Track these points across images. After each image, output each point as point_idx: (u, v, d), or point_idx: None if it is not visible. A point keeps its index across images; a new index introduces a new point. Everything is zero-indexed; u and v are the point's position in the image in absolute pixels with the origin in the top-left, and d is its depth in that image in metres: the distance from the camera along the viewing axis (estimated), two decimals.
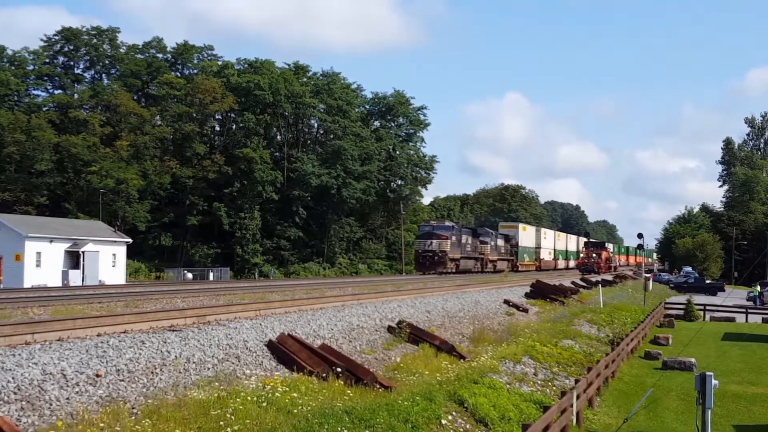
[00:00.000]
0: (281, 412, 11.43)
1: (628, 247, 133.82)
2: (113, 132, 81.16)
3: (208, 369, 13.34)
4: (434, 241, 58.71)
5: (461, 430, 13.21)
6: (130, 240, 63.72)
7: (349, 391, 13.49)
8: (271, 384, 12.88)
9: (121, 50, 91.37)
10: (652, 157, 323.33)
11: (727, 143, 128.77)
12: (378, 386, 14.30)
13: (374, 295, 27.33)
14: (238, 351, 14.63)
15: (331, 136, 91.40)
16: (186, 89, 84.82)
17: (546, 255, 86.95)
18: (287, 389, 12.66)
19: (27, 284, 47.56)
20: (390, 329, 20.53)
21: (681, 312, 44.94)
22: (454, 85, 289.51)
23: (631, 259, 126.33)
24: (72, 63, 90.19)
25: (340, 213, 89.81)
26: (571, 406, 14.73)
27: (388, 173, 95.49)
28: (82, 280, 53.13)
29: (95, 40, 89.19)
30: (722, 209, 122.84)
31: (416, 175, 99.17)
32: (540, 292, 38.89)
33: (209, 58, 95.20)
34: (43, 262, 52.45)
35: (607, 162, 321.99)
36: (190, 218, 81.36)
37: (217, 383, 12.51)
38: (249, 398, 11.64)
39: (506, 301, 32.92)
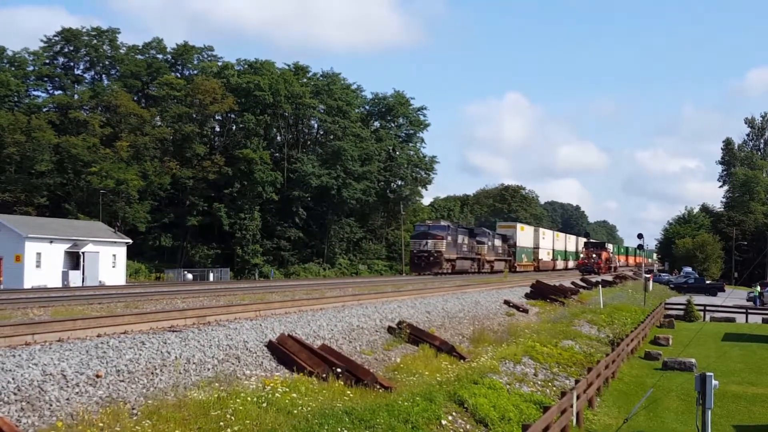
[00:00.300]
0: (281, 413, 11.44)
1: (627, 248, 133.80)
2: (113, 133, 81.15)
3: (208, 370, 13.35)
4: (429, 241, 57.90)
5: (461, 430, 13.21)
6: (130, 241, 63.72)
7: (349, 392, 13.50)
8: (271, 384, 12.88)
9: (121, 51, 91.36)
10: (652, 157, 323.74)
11: (727, 143, 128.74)
12: (378, 387, 14.30)
13: (374, 296, 27.34)
14: (238, 352, 14.63)
15: (331, 137, 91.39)
16: (186, 90, 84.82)
17: (544, 255, 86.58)
18: (287, 390, 12.67)
19: (27, 285, 47.54)
20: (390, 330, 20.54)
21: (681, 312, 44.96)
22: (454, 85, 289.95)
23: (631, 260, 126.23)
24: (72, 64, 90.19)
25: (340, 213, 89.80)
26: (571, 406, 14.73)
27: (388, 174, 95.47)
28: (82, 281, 53.12)
29: (95, 41, 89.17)
30: (722, 209, 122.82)
31: (416, 175, 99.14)
32: (540, 292, 38.90)
33: (209, 58, 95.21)
34: (43, 262, 52.44)
35: (607, 162, 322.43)
36: (190, 219, 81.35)
37: (217, 384, 12.51)
38: (249, 399, 11.65)
39: (506, 302, 32.93)
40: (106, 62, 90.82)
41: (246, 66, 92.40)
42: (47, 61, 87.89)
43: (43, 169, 75.51)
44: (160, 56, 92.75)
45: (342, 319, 19.84)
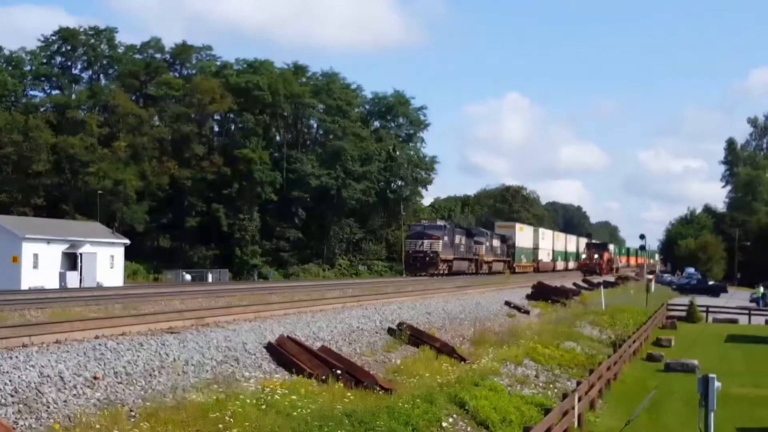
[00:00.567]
0: (280, 415, 11.35)
1: (629, 248, 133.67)
2: (111, 132, 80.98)
3: (207, 371, 13.24)
4: (425, 241, 56.54)
5: None
6: (128, 241, 63.59)
7: (349, 394, 13.41)
8: (271, 386, 12.79)
9: (119, 50, 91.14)
10: (654, 157, 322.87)
11: (730, 143, 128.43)
12: (378, 389, 14.21)
13: (374, 297, 27.23)
14: (237, 353, 14.53)
15: (331, 137, 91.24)
16: (184, 89, 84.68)
17: (544, 256, 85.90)
18: (287, 392, 12.58)
19: (24, 286, 47.38)
20: (390, 331, 20.43)
21: (683, 313, 44.86)
22: (454, 84, 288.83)
23: (634, 260, 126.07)
24: (70, 63, 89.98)
25: (340, 214, 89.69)
26: (573, 408, 14.62)
27: (388, 174, 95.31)
28: (80, 282, 52.95)
29: (93, 41, 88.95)
30: (725, 210, 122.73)
31: (416, 175, 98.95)
32: (541, 293, 38.81)
33: (208, 58, 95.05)
34: (40, 263, 52.28)
35: (608, 162, 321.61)
36: (188, 219, 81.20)
37: (215, 386, 12.42)
38: (248, 401, 11.56)
39: (507, 303, 32.84)
40: (104, 62, 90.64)
41: (245, 65, 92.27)
42: (45, 60, 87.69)
43: (40, 169, 75.34)
44: (158, 56, 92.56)
45: (342, 321, 19.74)
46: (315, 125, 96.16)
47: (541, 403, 15.99)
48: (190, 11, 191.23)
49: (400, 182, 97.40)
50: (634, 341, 27.13)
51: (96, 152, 77.17)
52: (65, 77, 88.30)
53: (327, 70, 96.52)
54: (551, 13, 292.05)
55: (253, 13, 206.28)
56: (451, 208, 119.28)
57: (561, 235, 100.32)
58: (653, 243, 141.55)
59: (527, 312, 32.39)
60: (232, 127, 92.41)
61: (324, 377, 14.09)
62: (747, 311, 47.22)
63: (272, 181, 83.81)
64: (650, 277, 55.80)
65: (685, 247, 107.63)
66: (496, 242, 72.56)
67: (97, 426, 9.81)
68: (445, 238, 57.72)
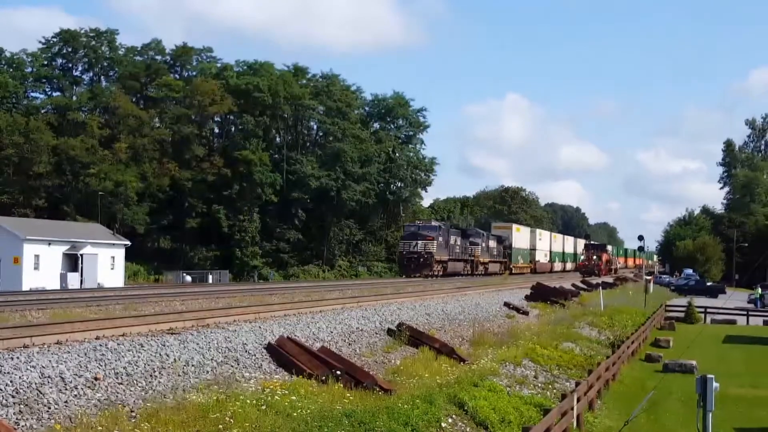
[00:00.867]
0: (280, 416, 11.39)
1: (627, 249, 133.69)
2: (112, 134, 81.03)
3: (207, 372, 13.30)
4: (419, 242, 55.29)
5: None
6: (128, 242, 63.65)
7: (348, 394, 13.46)
8: (271, 387, 12.85)
9: (120, 52, 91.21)
10: (654, 157, 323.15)
11: (728, 145, 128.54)
12: (378, 389, 14.25)
13: (374, 298, 27.29)
14: (237, 354, 14.58)
15: (331, 138, 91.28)
16: (185, 91, 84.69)
17: (541, 257, 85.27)
18: (286, 392, 12.63)
19: (25, 287, 47.42)
20: (390, 332, 20.49)
21: (682, 314, 44.88)
22: (454, 85, 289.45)
23: (632, 261, 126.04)
24: (70, 65, 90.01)
25: (340, 215, 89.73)
26: (572, 408, 14.68)
27: (388, 175, 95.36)
28: (81, 283, 53.01)
29: (94, 42, 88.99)
30: (723, 211, 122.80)
31: (416, 177, 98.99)
32: (540, 294, 38.86)
33: (208, 60, 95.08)
34: (41, 264, 52.36)
35: (607, 163, 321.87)
36: (189, 221, 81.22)
37: (216, 386, 12.47)
38: (248, 401, 11.61)
39: (506, 304, 32.89)
40: (105, 63, 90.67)
41: (245, 67, 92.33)
42: (45, 62, 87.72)
43: (41, 170, 75.38)
44: (158, 57, 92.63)
45: (341, 322, 19.80)
46: (315, 127, 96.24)
47: (540, 403, 16.04)
48: (189, 12, 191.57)
49: (399, 183, 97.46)
50: (632, 342, 27.18)
51: (97, 154, 77.22)
52: (66, 79, 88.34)
53: (327, 71, 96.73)
54: (551, 14, 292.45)
55: (253, 13, 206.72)
56: (450, 210, 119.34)
57: (559, 236, 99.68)
58: (652, 244, 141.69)
59: (526, 313, 32.44)
60: (233, 129, 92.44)
61: (324, 378, 14.14)
62: (745, 312, 47.26)
63: (272, 183, 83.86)
64: (649, 278, 55.81)
65: (683, 248, 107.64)
66: (492, 243, 71.68)
67: (98, 427, 9.85)
68: (440, 238, 56.88)
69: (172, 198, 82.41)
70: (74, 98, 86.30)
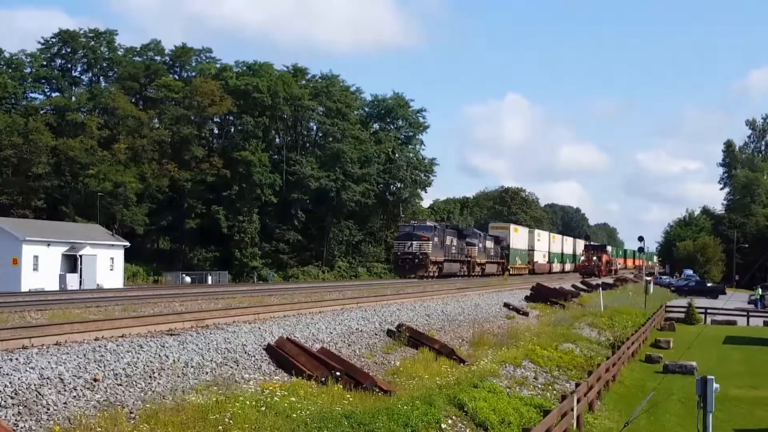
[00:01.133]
0: (280, 417, 11.38)
1: (626, 250, 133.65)
2: (111, 135, 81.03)
3: (207, 373, 13.27)
4: (414, 242, 54.27)
5: None
6: (128, 243, 63.62)
7: (348, 396, 13.44)
8: (270, 388, 12.82)
9: (119, 53, 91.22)
10: (654, 158, 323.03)
11: (728, 146, 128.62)
12: (377, 390, 14.24)
13: (373, 299, 27.26)
14: (236, 355, 14.56)
15: (330, 139, 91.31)
16: (184, 92, 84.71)
17: (540, 258, 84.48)
18: (286, 393, 12.61)
19: (24, 288, 47.41)
20: (389, 333, 20.46)
21: (682, 315, 44.92)
22: (453, 86, 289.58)
23: (633, 262, 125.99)
24: (70, 66, 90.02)
25: (339, 216, 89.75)
26: (572, 409, 14.67)
27: (388, 176, 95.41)
28: (80, 284, 52.99)
29: (93, 43, 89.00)
30: (723, 212, 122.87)
31: (415, 177, 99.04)
32: (540, 295, 38.83)
33: (207, 60, 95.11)
34: (40, 265, 52.33)
35: (607, 163, 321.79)
36: (188, 221, 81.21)
37: (215, 387, 12.44)
38: (248, 402, 11.59)
39: (506, 305, 32.87)
40: (104, 64, 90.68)
41: (244, 68, 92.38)
42: (45, 63, 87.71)
43: (40, 171, 75.37)
44: (158, 58, 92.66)
45: (341, 323, 19.77)
46: (314, 127, 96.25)
47: (540, 404, 16.02)
48: (188, 13, 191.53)
49: (399, 184, 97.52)
50: (632, 343, 27.17)
51: (96, 154, 77.21)
52: (65, 80, 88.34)
53: (326, 72, 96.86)
54: (550, 15, 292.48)
55: (252, 14, 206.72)
56: (450, 210, 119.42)
57: (557, 237, 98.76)
58: (652, 245, 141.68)
59: (526, 314, 32.41)
60: (232, 130, 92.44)
61: (323, 379, 14.12)
62: (745, 313, 47.28)
63: (272, 184, 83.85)
64: (649, 278, 55.78)
65: (683, 248, 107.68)
66: (489, 243, 70.60)
67: (97, 428, 9.83)
68: (435, 239, 55.94)
69: (172, 199, 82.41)
70: (73, 99, 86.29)
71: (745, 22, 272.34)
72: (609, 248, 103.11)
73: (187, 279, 71.11)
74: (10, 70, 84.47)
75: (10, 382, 10.34)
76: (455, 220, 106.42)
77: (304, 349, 15.65)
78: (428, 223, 59.99)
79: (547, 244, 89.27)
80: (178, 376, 12.60)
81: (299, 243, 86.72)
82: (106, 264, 58.32)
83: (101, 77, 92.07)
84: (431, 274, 54.81)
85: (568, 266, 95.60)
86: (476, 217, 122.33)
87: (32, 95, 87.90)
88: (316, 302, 24.38)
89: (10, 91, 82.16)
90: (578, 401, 15.27)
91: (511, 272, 71.50)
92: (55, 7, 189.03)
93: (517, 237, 78.02)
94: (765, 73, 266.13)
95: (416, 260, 53.93)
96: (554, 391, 18.49)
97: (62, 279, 52.89)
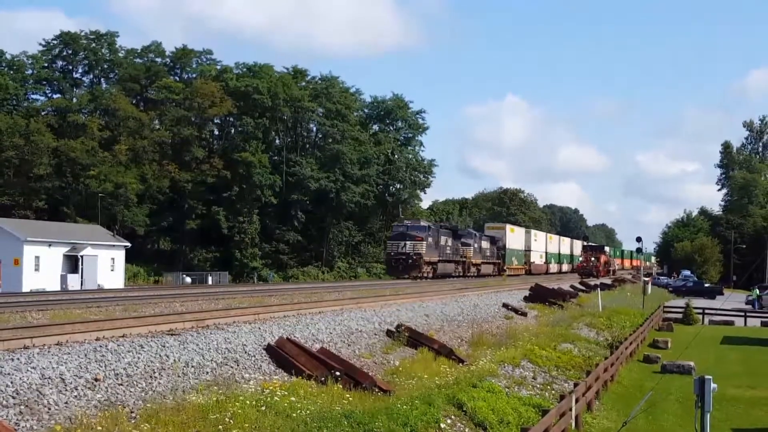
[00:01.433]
0: (280, 416, 11.44)
1: (624, 251, 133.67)
2: (112, 136, 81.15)
3: (207, 373, 13.34)
4: (408, 242, 53.03)
5: None
6: (128, 244, 63.68)
7: (347, 395, 13.50)
8: (270, 388, 12.89)
9: (120, 54, 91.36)
10: (652, 159, 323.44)
11: (726, 147, 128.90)
12: (377, 390, 14.30)
13: (373, 299, 27.31)
14: (236, 355, 14.62)
15: (330, 140, 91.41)
16: (185, 93, 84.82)
17: (537, 258, 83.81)
18: (286, 393, 12.67)
19: (25, 288, 47.47)
20: (389, 333, 20.53)
21: (680, 316, 44.99)
22: (453, 87, 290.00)
23: (631, 263, 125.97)
24: (71, 67, 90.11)
25: (339, 217, 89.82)
26: (570, 409, 14.74)
27: (387, 177, 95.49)
28: (81, 285, 53.04)
29: (94, 45, 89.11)
30: (721, 213, 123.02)
31: (415, 178, 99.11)
32: (539, 295, 38.87)
33: (208, 62, 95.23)
34: (41, 266, 52.39)
35: (606, 164, 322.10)
36: (188, 222, 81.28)
37: (215, 387, 12.51)
38: (248, 402, 11.65)
39: (505, 305, 32.92)
40: (105, 66, 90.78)
41: (245, 69, 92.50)
42: (46, 64, 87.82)
43: (41, 172, 75.46)
44: (158, 60, 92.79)
45: (341, 323, 19.83)
46: (314, 129, 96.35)
47: (539, 404, 16.10)
48: (188, 14, 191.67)
49: (398, 185, 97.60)
50: (630, 343, 27.26)
51: (97, 155, 77.33)
52: (66, 81, 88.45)
53: (326, 73, 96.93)
54: (550, 15, 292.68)
55: (252, 15, 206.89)
56: (449, 211, 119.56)
57: (554, 237, 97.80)
58: (650, 245, 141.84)
59: (524, 314, 32.47)
60: (232, 131, 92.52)
61: (323, 379, 14.18)
62: (743, 313, 47.37)
63: (272, 185, 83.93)
64: (647, 279, 55.85)
65: (681, 249, 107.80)
66: (485, 244, 69.51)
67: (98, 427, 9.88)
68: (429, 239, 54.74)
69: (172, 200, 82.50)
70: (74, 100, 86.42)
71: (744, 22, 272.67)
72: (607, 249, 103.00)
73: (188, 279, 71.16)
74: (11, 72, 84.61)
75: (11, 382, 10.40)
76: (454, 221, 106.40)
77: (303, 349, 15.72)
78: (422, 223, 58.81)
79: (543, 244, 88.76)
80: (179, 376, 12.67)
81: (299, 244, 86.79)
82: (107, 264, 58.37)
83: (102, 79, 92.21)
84: (425, 275, 53.83)
85: (565, 267, 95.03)
86: (475, 218, 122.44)
87: (33, 96, 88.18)
88: (315, 303, 24.44)
89: (11, 92, 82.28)
90: (576, 401, 15.34)
91: (507, 273, 70.84)
92: (55, 9, 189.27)
93: (514, 237, 77.15)
94: (764, 73, 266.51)
95: (410, 261, 52.86)
96: (553, 391, 18.56)
97: (63, 279, 52.96)
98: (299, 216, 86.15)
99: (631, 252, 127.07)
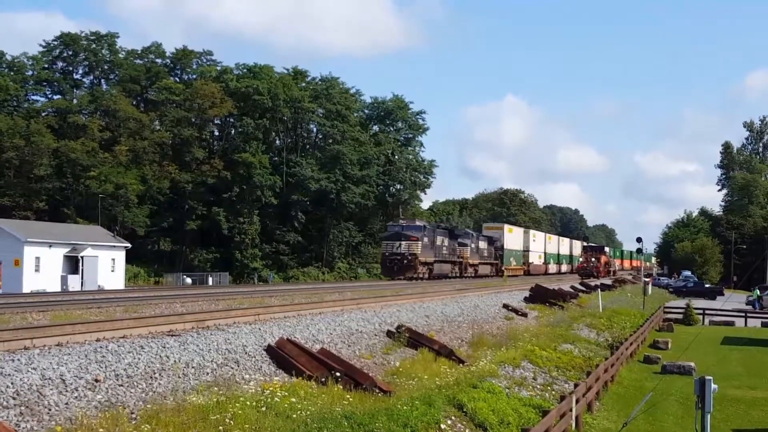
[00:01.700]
0: (280, 417, 11.44)
1: (623, 251, 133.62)
2: (112, 137, 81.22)
3: (207, 374, 13.33)
4: (403, 242, 51.98)
5: None
6: (129, 245, 63.67)
7: (348, 396, 13.50)
8: (270, 389, 12.88)
9: (120, 55, 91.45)
10: (652, 160, 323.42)
11: (726, 147, 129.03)
12: (377, 391, 14.29)
13: (373, 300, 27.31)
14: (237, 356, 14.62)
15: (330, 141, 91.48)
16: (185, 94, 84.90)
17: (535, 259, 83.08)
18: (286, 394, 12.66)
19: (26, 289, 47.46)
20: (389, 334, 20.52)
21: (680, 316, 45.01)
22: (453, 87, 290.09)
23: (631, 263, 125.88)
24: (71, 68, 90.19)
25: (339, 217, 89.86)
26: (571, 410, 14.74)
27: (387, 178, 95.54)
28: (81, 285, 53.04)
29: (94, 46, 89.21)
30: (721, 213, 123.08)
31: (415, 179, 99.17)
32: (539, 296, 38.83)
33: (208, 63, 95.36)
34: (42, 267, 52.38)
35: (606, 165, 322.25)
36: (189, 223, 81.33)
37: (216, 388, 12.51)
38: (248, 403, 11.65)
39: (505, 306, 32.90)
40: (105, 67, 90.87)
41: (245, 70, 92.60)
42: (46, 65, 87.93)
43: (42, 173, 75.53)
44: (159, 61, 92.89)
45: (341, 323, 19.83)
46: (314, 129, 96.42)
47: (539, 405, 16.10)
48: (188, 15, 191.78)
49: (398, 186, 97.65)
50: (631, 344, 27.26)
51: (97, 156, 77.41)
52: (67, 82, 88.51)
53: (326, 74, 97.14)
54: (550, 16, 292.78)
55: (252, 16, 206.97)
56: (449, 212, 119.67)
57: (554, 238, 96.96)
58: (650, 246, 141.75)
59: (525, 315, 32.45)
60: (232, 132, 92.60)
61: (323, 379, 14.17)
62: (743, 314, 47.36)
63: (272, 185, 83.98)
64: (647, 280, 55.84)
65: (681, 250, 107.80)
66: (482, 244, 68.53)
67: (99, 428, 9.88)
68: (425, 239, 53.58)
69: (172, 200, 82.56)
70: (75, 101, 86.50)
71: (743, 24, 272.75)
72: (607, 249, 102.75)
73: (188, 280, 71.18)
74: (12, 73, 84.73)
75: (12, 383, 10.39)
76: (454, 222, 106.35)
77: (304, 349, 15.71)
78: (417, 223, 57.75)
79: (542, 244, 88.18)
80: (179, 377, 12.66)
81: (299, 244, 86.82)
82: (108, 265, 58.36)
83: (102, 80, 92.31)
84: (421, 276, 52.80)
85: (564, 267, 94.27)
86: (475, 219, 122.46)
87: (34, 97, 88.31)
88: (316, 303, 24.44)
89: (11, 93, 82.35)
90: (577, 402, 15.35)
91: (505, 273, 69.51)
92: (55, 10, 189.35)
93: (512, 237, 76.26)
94: (763, 74, 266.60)
95: (405, 261, 51.82)
96: (553, 392, 18.56)
97: (64, 280, 52.97)
98: (299, 217, 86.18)
99: (631, 252, 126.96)
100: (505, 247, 73.20)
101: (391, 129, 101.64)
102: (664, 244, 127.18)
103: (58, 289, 50.10)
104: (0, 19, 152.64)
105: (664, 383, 22.18)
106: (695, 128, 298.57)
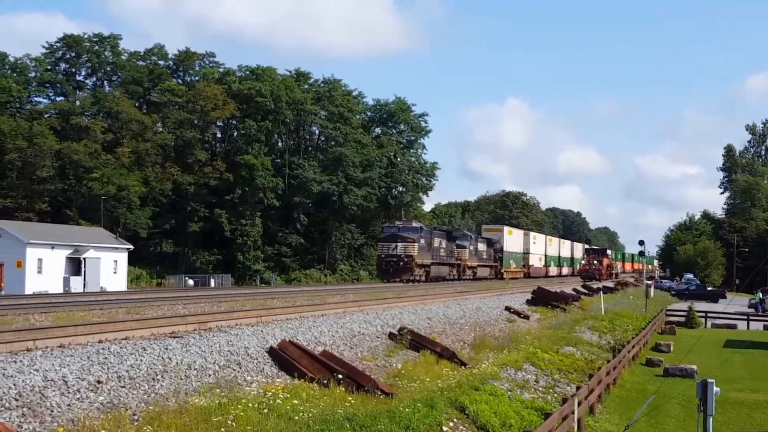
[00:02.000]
0: (282, 419, 11.45)
1: (625, 254, 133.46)
2: (115, 139, 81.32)
3: (210, 375, 13.35)
4: (399, 244, 50.86)
5: None
6: (131, 246, 63.76)
7: (350, 398, 13.50)
8: (273, 390, 12.89)
9: (123, 57, 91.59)
10: (653, 162, 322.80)
11: (728, 150, 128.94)
12: (379, 393, 14.29)
13: (375, 302, 27.30)
14: (239, 357, 14.63)
15: (332, 143, 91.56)
16: (187, 96, 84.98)
17: (536, 261, 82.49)
18: (288, 396, 12.67)
19: (28, 291, 47.53)
20: (391, 336, 20.52)
21: (682, 319, 44.96)
22: (454, 89, 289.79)
23: (633, 266, 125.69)
24: (74, 70, 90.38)
25: (341, 219, 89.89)
26: (573, 413, 14.72)
27: (389, 180, 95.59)
28: (84, 287, 53.12)
29: (97, 47, 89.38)
30: (723, 216, 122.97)
31: (417, 181, 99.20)
32: (541, 298, 38.81)
33: (211, 65, 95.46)
34: (44, 268, 52.47)
35: (608, 168, 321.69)
36: (191, 225, 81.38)
37: (218, 390, 12.52)
38: (250, 405, 11.65)
39: (507, 308, 32.90)
40: (108, 68, 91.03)
41: (247, 72, 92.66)
42: (49, 67, 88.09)
43: (44, 175, 75.65)
44: (161, 62, 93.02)
45: (343, 325, 19.83)
46: (317, 132, 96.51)
47: (541, 407, 16.10)
48: (189, 16, 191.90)
49: (401, 188, 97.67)
50: (633, 346, 27.24)
51: (100, 158, 77.51)
52: (69, 84, 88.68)
53: (328, 76, 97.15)
54: (551, 18, 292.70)
55: (253, 18, 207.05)
56: (451, 214, 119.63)
57: (554, 240, 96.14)
58: (652, 249, 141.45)
59: (527, 317, 32.45)
60: (235, 134, 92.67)
61: (325, 381, 14.18)
62: (746, 317, 47.29)
63: (274, 187, 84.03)
64: (649, 282, 55.77)
65: (683, 252, 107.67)
66: (481, 246, 67.56)
67: (101, 430, 9.89)
68: (422, 241, 52.55)
69: (175, 202, 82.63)
70: (77, 103, 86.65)
71: (744, 26, 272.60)
72: (610, 252, 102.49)
73: (190, 282, 71.22)
74: (14, 74, 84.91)
75: (14, 384, 10.41)
76: (456, 224, 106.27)
77: (306, 351, 15.72)
78: (414, 224, 56.39)
79: (543, 247, 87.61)
80: (181, 379, 12.67)
81: (301, 246, 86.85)
82: (110, 267, 58.44)
83: (105, 81, 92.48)
84: (417, 278, 51.77)
85: (565, 270, 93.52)
86: (477, 221, 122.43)
87: (37, 99, 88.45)
88: (318, 305, 24.43)
89: (14, 95, 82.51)
90: (579, 404, 15.33)
91: (504, 276, 68.72)
92: (57, 12, 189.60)
93: (512, 240, 75.44)
94: (764, 77, 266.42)
95: (401, 263, 50.70)
96: (555, 394, 18.55)
97: (66, 282, 53.06)
98: (302, 219, 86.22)
99: (633, 255, 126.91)
100: (504, 249, 72.55)
101: (394, 131, 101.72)
102: (666, 247, 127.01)
103: (61, 290, 50.16)
104: (0, 21, 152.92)
105: (666, 386, 22.16)
106: (695, 129, 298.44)
